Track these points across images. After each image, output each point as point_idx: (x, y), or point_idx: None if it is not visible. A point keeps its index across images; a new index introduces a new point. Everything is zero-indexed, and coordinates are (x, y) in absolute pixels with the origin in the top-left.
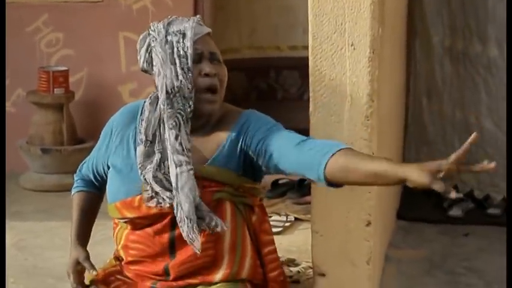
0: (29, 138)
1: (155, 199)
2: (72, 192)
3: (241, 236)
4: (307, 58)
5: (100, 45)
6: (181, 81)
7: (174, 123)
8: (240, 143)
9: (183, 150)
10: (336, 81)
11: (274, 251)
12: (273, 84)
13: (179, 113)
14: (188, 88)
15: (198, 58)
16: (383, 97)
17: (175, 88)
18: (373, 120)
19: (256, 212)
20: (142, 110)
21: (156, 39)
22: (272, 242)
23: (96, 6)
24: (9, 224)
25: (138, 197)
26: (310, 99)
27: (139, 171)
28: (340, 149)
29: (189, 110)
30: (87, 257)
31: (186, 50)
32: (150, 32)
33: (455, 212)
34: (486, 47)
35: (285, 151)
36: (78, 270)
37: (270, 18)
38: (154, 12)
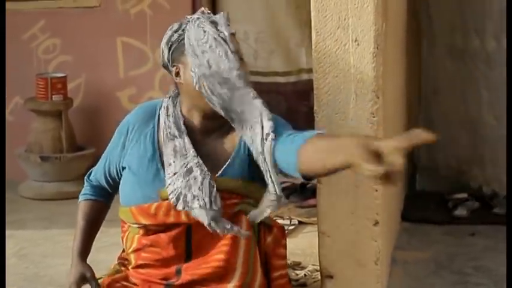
0: (28, 146)
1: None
2: (80, 199)
3: (254, 253)
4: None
5: (98, 51)
6: (227, 63)
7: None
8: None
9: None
10: (340, 78)
11: (285, 275)
12: None
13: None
14: (237, 71)
15: None
16: (388, 93)
17: (220, 70)
18: (379, 117)
19: (274, 233)
20: (161, 107)
21: (190, 22)
22: (284, 267)
23: (93, 11)
24: (9, 233)
25: (155, 204)
26: (314, 97)
27: (167, 170)
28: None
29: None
30: (94, 275)
31: (224, 37)
32: (184, 21)
33: (460, 212)
34: (484, 41)
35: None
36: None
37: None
38: (152, 16)
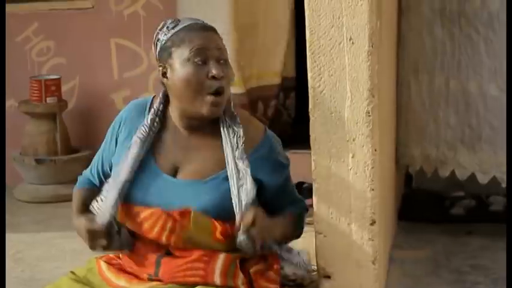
0: (23, 149)
1: None
2: (74, 189)
3: (234, 268)
4: None
5: (92, 53)
6: None
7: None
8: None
9: None
10: (335, 77)
11: None
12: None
13: None
14: None
15: None
16: (383, 92)
17: None
18: (375, 116)
19: (268, 260)
20: (152, 103)
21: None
22: None
23: (86, 13)
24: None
25: (146, 212)
26: (309, 97)
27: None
28: None
29: None
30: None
31: None
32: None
33: (456, 210)
34: (485, 1)
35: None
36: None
37: None
38: (145, 17)
